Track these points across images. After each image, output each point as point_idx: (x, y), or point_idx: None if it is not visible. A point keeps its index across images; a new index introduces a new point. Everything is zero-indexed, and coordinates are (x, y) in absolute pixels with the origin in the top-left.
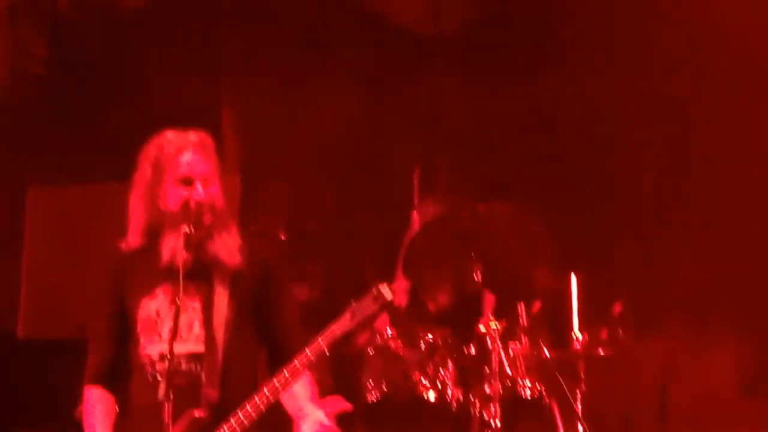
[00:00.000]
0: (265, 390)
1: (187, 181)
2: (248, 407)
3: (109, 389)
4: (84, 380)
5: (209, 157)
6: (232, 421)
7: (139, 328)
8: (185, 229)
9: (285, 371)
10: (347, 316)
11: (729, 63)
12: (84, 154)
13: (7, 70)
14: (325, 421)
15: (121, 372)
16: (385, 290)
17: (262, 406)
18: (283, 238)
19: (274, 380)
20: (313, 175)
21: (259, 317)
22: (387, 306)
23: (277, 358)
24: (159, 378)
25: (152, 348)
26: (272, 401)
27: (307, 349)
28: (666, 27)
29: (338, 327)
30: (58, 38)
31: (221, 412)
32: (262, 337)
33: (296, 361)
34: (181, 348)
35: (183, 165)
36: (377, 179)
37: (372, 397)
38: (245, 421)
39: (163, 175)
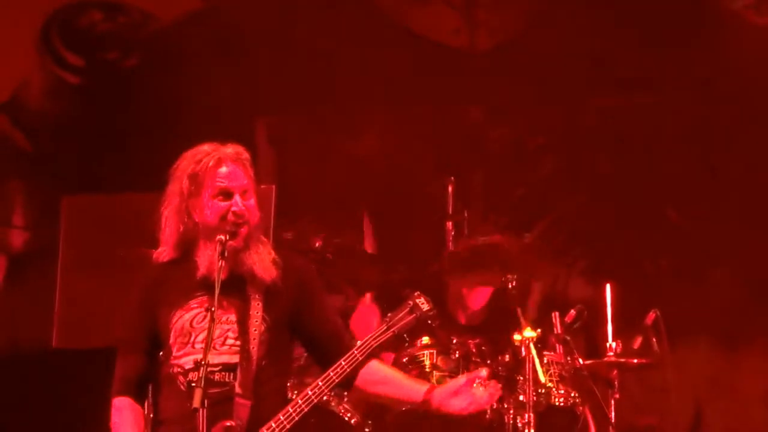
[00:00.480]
0: (299, 400)
1: (226, 194)
2: (282, 417)
3: (137, 401)
4: (112, 391)
5: (246, 170)
6: (273, 424)
7: (172, 339)
8: (221, 237)
9: (320, 382)
10: (382, 327)
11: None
12: (119, 164)
13: (43, 81)
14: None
15: (149, 384)
16: (421, 302)
17: (295, 416)
18: (318, 244)
19: (308, 390)
20: (347, 186)
21: (300, 327)
22: (423, 318)
23: (329, 358)
24: (192, 385)
25: (185, 359)
26: (306, 411)
27: (342, 360)
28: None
29: (374, 338)
30: (94, 49)
31: (253, 423)
32: (307, 346)
33: (331, 372)
34: (214, 359)
35: (222, 178)
36: (412, 191)
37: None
38: (286, 424)
39: (201, 187)
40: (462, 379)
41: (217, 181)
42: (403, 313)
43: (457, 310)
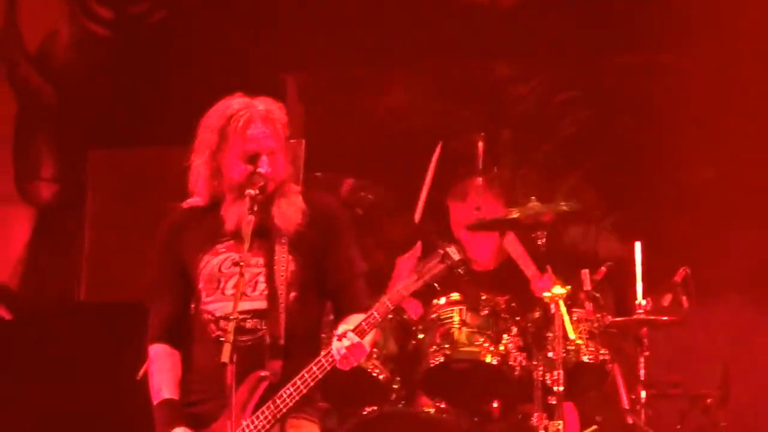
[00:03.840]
0: (323, 357)
1: (253, 156)
2: (314, 368)
3: (174, 346)
4: (147, 339)
5: (275, 130)
6: (298, 381)
7: (201, 284)
8: (250, 191)
9: (350, 332)
10: (413, 276)
11: None
12: (146, 117)
13: (71, 33)
14: None
15: (183, 328)
16: (452, 251)
17: (327, 366)
18: (348, 182)
19: (330, 350)
20: (375, 142)
21: (323, 272)
22: (454, 267)
23: (342, 312)
24: (221, 340)
25: (215, 305)
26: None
27: (373, 310)
28: None
29: (404, 287)
30: (123, 2)
31: (286, 370)
32: (326, 292)
33: (363, 323)
34: (245, 305)
35: (249, 140)
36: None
37: (435, 361)
38: (310, 381)
39: (228, 146)
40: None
41: (244, 143)
42: (434, 261)
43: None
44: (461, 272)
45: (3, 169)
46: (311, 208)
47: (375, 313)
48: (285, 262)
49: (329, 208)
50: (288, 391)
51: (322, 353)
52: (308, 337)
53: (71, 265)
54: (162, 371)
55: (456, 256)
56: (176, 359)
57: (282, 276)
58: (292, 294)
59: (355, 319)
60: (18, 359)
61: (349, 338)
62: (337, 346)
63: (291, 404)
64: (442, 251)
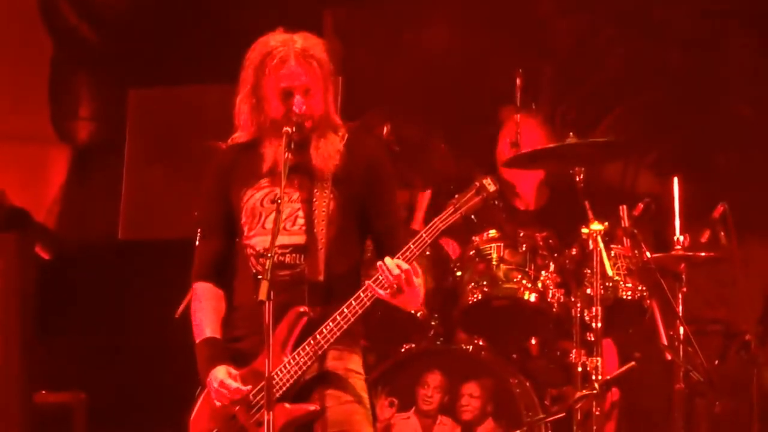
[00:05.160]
0: (370, 284)
1: (287, 93)
2: (354, 303)
3: (218, 284)
4: (192, 276)
5: (310, 67)
6: (338, 317)
7: (243, 219)
8: (287, 129)
9: (346, 306)
10: (450, 209)
11: None
12: (186, 55)
13: None
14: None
15: (228, 267)
16: (488, 183)
17: (367, 301)
18: (386, 130)
19: (378, 276)
20: (414, 79)
21: (364, 213)
22: (490, 198)
23: (382, 254)
24: (259, 278)
25: (256, 239)
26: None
27: (411, 243)
28: None
29: (441, 221)
30: None
31: (325, 307)
32: (367, 234)
33: (400, 255)
34: (284, 239)
35: (284, 77)
36: (479, 83)
37: (473, 298)
38: (351, 317)
39: (265, 82)
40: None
41: (279, 81)
42: (470, 194)
43: (512, 197)
44: (497, 203)
45: (38, 109)
46: (355, 149)
47: (412, 246)
48: (326, 198)
49: (373, 151)
50: (329, 327)
51: (362, 289)
52: (347, 275)
53: (109, 205)
54: (205, 309)
55: (491, 188)
56: (220, 298)
57: (323, 212)
58: (332, 231)
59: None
60: (57, 299)
61: (396, 264)
62: (385, 273)
63: (332, 340)
64: (477, 183)
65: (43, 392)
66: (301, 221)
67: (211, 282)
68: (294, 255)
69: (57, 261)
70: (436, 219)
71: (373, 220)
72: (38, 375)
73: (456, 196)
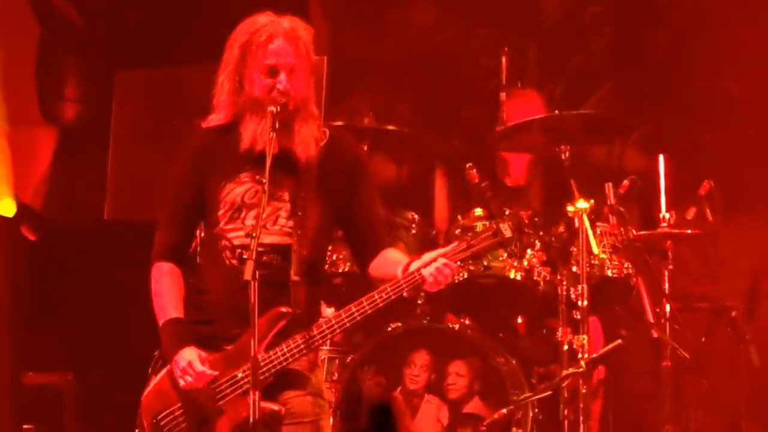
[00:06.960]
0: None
1: (273, 71)
2: (354, 310)
3: (178, 266)
4: (152, 257)
5: (297, 48)
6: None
7: (221, 211)
8: (272, 108)
9: (388, 287)
10: (462, 245)
11: None
12: (173, 37)
13: None
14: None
15: (189, 252)
16: (504, 228)
17: (369, 310)
18: (367, 121)
19: (375, 294)
20: (401, 58)
21: (345, 212)
22: (505, 244)
23: (370, 247)
24: (244, 258)
25: (234, 233)
26: (371, 313)
27: (415, 272)
28: None
29: (453, 255)
30: None
31: (307, 310)
32: (345, 232)
33: (402, 282)
34: (264, 238)
35: (270, 54)
36: (466, 62)
37: (459, 278)
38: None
39: (250, 59)
40: (431, 255)
41: (265, 57)
42: (486, 235)
43: (503, 174)
44: (484, 185)
45: (24, 90)
46: (335, 144)
47: (416, 275)
48: (313, 200)
49: (352, 147)
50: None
51: (374, 294)
52: (320, 276)
53: (95, 186)
54: (167, 290)
55: (507, 233)
56: (178, 278)
57: (309, 214)
58: (312, 235)
59: (398, 255)
60: (43, 280)
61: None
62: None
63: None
64: (495, 227)
65: (31, 373)
66: (282, 221)
67: (171, 262)
68: (272, 255)
69: (43, 242)
70: (449, 252)
71: (357, 219)
72: (26, 356)
73: (470, 236)
